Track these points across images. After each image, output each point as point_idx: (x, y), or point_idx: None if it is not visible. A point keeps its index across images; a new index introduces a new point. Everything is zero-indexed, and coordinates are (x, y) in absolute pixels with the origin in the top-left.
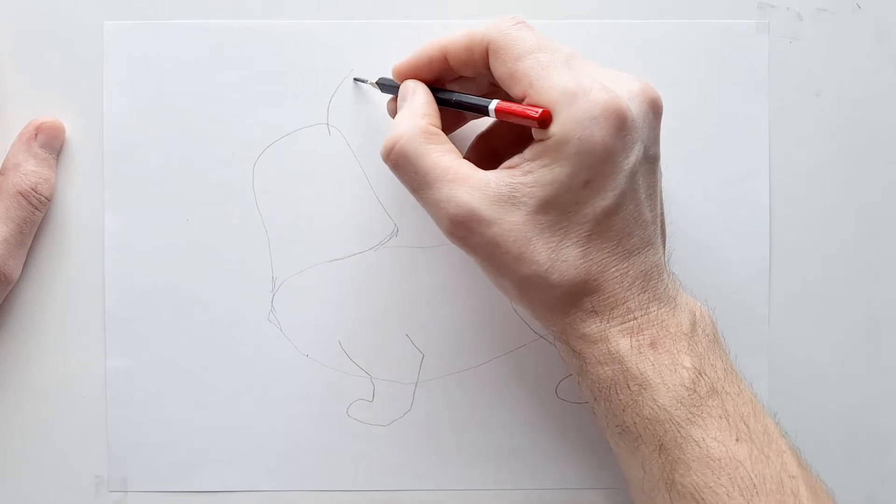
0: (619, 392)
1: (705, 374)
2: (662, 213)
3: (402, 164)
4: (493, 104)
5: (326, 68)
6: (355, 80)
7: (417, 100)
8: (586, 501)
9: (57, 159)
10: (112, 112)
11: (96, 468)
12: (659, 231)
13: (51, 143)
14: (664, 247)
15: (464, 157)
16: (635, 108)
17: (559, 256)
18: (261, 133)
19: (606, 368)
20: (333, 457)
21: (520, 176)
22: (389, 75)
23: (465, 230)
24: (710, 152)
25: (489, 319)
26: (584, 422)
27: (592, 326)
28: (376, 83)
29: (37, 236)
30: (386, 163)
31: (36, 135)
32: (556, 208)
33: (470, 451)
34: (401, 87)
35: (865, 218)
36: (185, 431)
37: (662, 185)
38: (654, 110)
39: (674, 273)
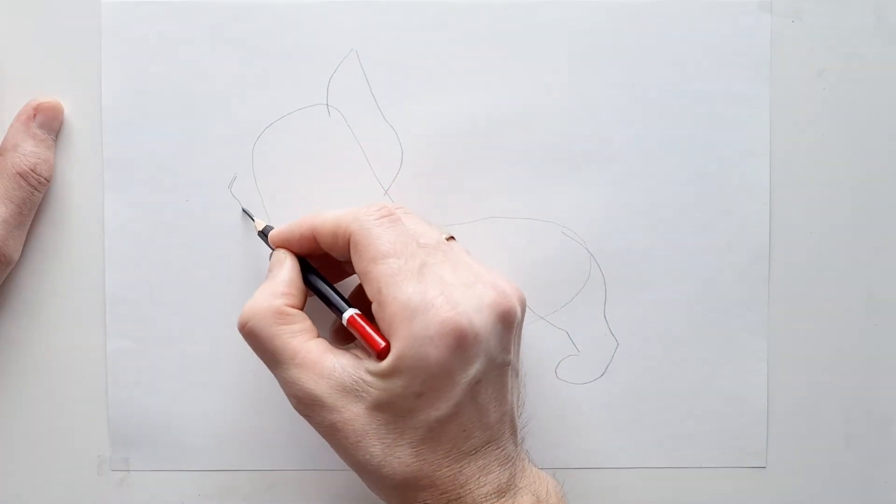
0: None
1: None
2: (513, 410)
3: (252, 341)
4: (348, 314)
5: (326, 48)
6: (243, 209)
7: (280, 276)
8: (585, 481)
9: (56, 140)
10: (111, 91)
11: (99, 448)
12: (507, 427)
13: (49, 123)
14: (515, 437)
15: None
16: (480, 322)
17: (392, 453)
18: (260, 113)
19: None
20: None
21: (363, 371)
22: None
23: (308, 411)
24: (711, 131)
25: None
26: (584, 402)
27: None
28: (261, 231)
29: (37, 217)
30: (240, 333)
31: (34, 115)
32: (390, 411)
33: None
34: (273, 254)
35: (865, 198)
36: (187, 411)
37: (521, 353)
38: (504, 322)
39: (523, 454)
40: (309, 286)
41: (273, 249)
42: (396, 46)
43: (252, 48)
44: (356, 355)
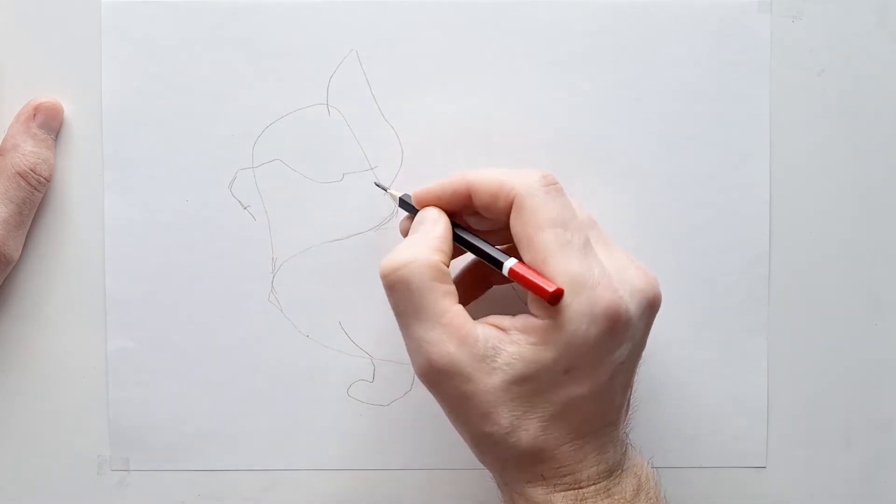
0: None
1: None
2: (631, 394)
3: (400, 289)
4: (509, 264)
5: (326, 48)
6: (375, 184)
7: (436, 231)
8: None
9: (56, 140)
10: (111, 91)
11: (99, 448)
12: (624, 410)
13: (49, 123)
14: (626, 418)
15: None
16: (634, 308)
17: (521, 425)
18: (260, 113)
19: None
20: (334, 436)
21: (507, 343)
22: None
23: (440, 377)
24: (711, 132)
25: (487, 301)
26: None
27: (538, 490)
28: (399, 199)
29: (37, 217)
30: (382, 279)
31: (34, 115)
32: (531, 384)
33: None
34: (420, 212)
35: (866, 198)
36: (187, 411)
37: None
38: (652, 308)
39: (628, 439)
40: (460, 243)
41: (415, 210)
42: (396, 46)
43: (252, 48)
44: (498, 327)
